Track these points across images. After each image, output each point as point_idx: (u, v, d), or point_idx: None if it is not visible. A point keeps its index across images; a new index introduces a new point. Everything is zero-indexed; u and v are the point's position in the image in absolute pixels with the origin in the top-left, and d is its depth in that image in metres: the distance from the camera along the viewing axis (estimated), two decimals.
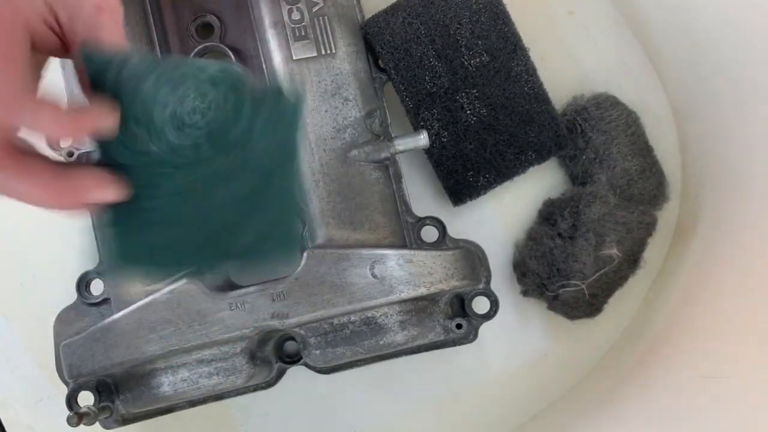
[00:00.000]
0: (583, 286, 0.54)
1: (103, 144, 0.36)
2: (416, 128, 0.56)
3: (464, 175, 0.57)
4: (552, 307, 0.57)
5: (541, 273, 0.56)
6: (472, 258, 0.52)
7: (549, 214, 0.58)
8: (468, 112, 0.56)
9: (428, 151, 0.57)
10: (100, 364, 0.49)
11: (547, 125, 0.57)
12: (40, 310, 0.59)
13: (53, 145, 0.54)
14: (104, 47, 0.35)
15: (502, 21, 0.56)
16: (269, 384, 0.54)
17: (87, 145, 0.52)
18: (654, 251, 0.60)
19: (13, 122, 0.34)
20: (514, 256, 0.60)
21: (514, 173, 0.57)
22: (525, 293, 0.58)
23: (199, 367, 0.50)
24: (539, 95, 0.57)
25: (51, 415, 0.59)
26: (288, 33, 0.52)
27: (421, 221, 0.54)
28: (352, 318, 0.50)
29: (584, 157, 0.58)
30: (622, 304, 0.60)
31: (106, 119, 0.36)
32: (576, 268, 0.54)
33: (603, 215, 0.55)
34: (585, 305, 0.56)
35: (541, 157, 0.57)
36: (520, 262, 0.59)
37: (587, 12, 0.62)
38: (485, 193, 0.58)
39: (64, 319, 0.54)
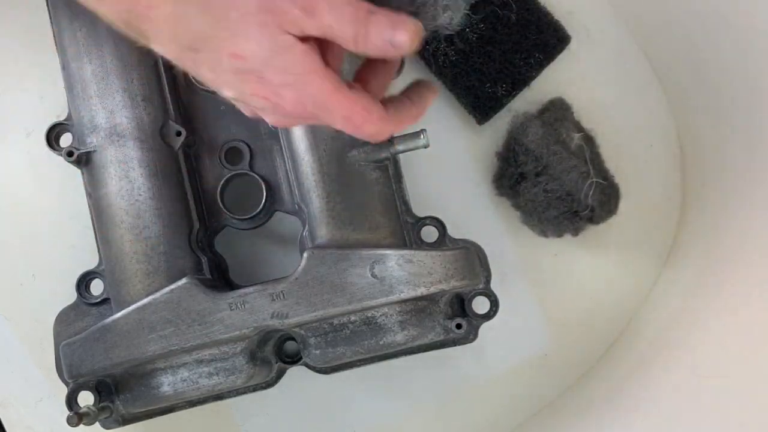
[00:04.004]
0: (597, 179, 0.55)
1: None
2: (422, 50, 0.59)
3: (482, 89, 0.59)
4: (596, 220, 0.57)
5: (562, 208, 0.56)
6: (472, 258, 0.52)
7: (504, 181, 0.59)
8: (467, 30, 0.59)
9: (442, 74, 0.59)
10: (100, 364, 0.49)
11: (545, 24, 0.60)
12: (40, 310, 0.59)
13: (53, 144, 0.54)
14: None
15: None
16: (269, 384, 0.54)
17: (87, 146, 0.52)
18: (655, 251, 0.60)
19: None
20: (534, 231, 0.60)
21: (529, 78, 0.60)
22: (576, 231, 0.58)
23: (199, 367, 0.50)
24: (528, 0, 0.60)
25: (51, 415, 0.59)
26: None
27: (421, 221, 0.54)
28: (352, 318, 0.50)
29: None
30: (622, 303, 0.60)
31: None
32: (572, 177, 0.55)
33: (542, 134, 0.56)
34: (614, 194, 0.57)
35: (549, 56, 0.60)
36: (538, 221, 0.58)
37: (587, 12, 0.62)
38: (507, 103, 0.60)
39: (64, 319, 0.54)
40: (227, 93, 0.39)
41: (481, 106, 0.60)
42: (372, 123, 0.39)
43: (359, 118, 0.38)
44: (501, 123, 0.60)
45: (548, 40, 0.60)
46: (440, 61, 0.59)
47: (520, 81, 0.60)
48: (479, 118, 0.60)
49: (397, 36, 0.36)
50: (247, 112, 0.41)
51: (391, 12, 0.37)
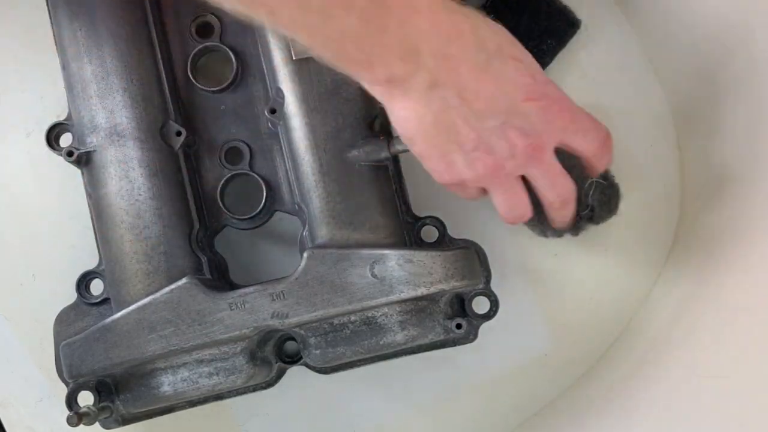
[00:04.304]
0: (597, 179, 0.54)
1: None
2: None
3: None
4: (596, 220, 0.56)
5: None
6: (472, 258, 0.52)
7: None
8: None
9: None
10: (100, 364, 0.49)
11: (554, 10, 0.60)
12: (40, 310, 0.59)
13: (53, 144, 0.54)
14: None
15: None
16: (269, 384, 0.54)
17: (87, 146, 0.52)
18: (655, 251, 0.60)
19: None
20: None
21: (543, 64, 0.59)
22: (576, 231, 0.56)
23: (199, 367, 0.50)
24: None
25: (51, 415, 0.59)
26: None
27: (421, 221, 0.54)
28: (352, 318, 0.50)
29: None
30: (622, 303, 0.60)
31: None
32: (572, 177, 0.54)
33: None
34: (614, 193, 0.56)
35: (561, 42, 0.60)
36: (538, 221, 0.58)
37: (587, 12, 0.62)
38: None
39: (64, 319, 0.54)
40: (497, 112, 0.43)
41: None
42: (607, 132, 0.48)
43: (599, 122, 0.47)
44: None
45: (558, 25, 0.60)
46: None
47: None
48: None
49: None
50: (493, 160, 0.44)
51: None
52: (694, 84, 0.58)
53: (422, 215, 0.54)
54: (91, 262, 0.55)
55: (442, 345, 0.53)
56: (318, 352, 0.51)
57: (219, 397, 0.53)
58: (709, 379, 0.46)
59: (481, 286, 0.52)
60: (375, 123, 0.53)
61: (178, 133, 0.53)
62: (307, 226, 0.52)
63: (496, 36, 0.43)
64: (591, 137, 0.47)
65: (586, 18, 0.61)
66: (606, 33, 0.62)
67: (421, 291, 0.49)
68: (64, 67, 0.53)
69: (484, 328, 0.53)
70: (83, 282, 0.54)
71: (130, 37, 0.53)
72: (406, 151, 0.52)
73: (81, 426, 0.48)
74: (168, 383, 0.50)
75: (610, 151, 0.49)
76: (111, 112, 0.52)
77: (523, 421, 0.59)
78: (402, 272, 0.49)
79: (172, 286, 0.49)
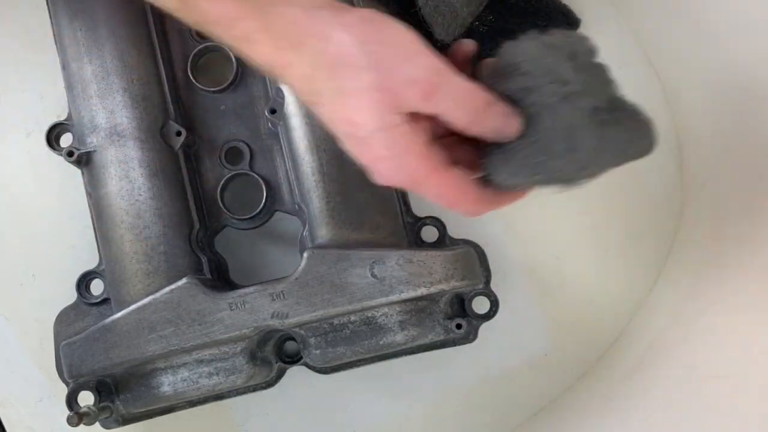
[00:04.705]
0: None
1: None
2: (433, 44, 0.58)
3: None
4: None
5: None
6: (472, 258, 0.52)
7: None
8: (476, 23, 0.58)
9: None
10: (100, 364, 0.49)
11: (553, 10, 0.60)
12: (40, 310, 0.59)
13: (53, 144, 0.54)
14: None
15: None
16: (269, 384, 0.54)
17: (87, 146, 0.52)
18: (655, 251, 0.60)
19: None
20: None
21: None
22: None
23: (199, 367, 0.50)
24: None
25: (51, 415, 0.59)
26: None
27: (421, 221, 0.54)
28: (352, 318, 0.50)
29: None
30: (622, 304, 0.60)
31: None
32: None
33: None
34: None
35: None
36: None
37: (587, 12, 0.62)
38: None
39: (64, 319, 0.54)
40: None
41: None
42: (466, 203, 0.41)
43: (452, 197, 0.41)
44: None
45: (558, 25, 0.60)
46: None
47: None
48: None
49: (506, 129, 0.39)
50: None
51: (505, 102, 0.39)
52: (694, 83, 0.58)
53: (422, 215, 0.54)
54: (91, 262, 0.55)
55: (442, 345, 0.53)
56: (318, 352, 0.51)
57: (219, 397, 0.53)
58: (709, 379, 0.46)
59: (481, 286, 0.52)
60: None
61: (178, 133, 0.53)
62: (307, 226, 0.52)
63: (327, 92, 0.39)
64: (439, 203, 0.41)
65: (586, 17, 0.61)
66: (605, 32, 0.62)
67: (421, 291, 0.49)
68: (64, 67, 0.53)
69: (484, 328, 0.53)
70: (83, 282, 0.54)
71: (130, 37, 0.53)
72: None
73: (81, 426, 0.48)
74: (168, 383, 0.50)
75: (475, 210, 0.42)
76: (111, 112, 0.52)
77: (523, 421, 0.59)
78: (402, 272, 0.49)
79: (172, 286, 0.49)
